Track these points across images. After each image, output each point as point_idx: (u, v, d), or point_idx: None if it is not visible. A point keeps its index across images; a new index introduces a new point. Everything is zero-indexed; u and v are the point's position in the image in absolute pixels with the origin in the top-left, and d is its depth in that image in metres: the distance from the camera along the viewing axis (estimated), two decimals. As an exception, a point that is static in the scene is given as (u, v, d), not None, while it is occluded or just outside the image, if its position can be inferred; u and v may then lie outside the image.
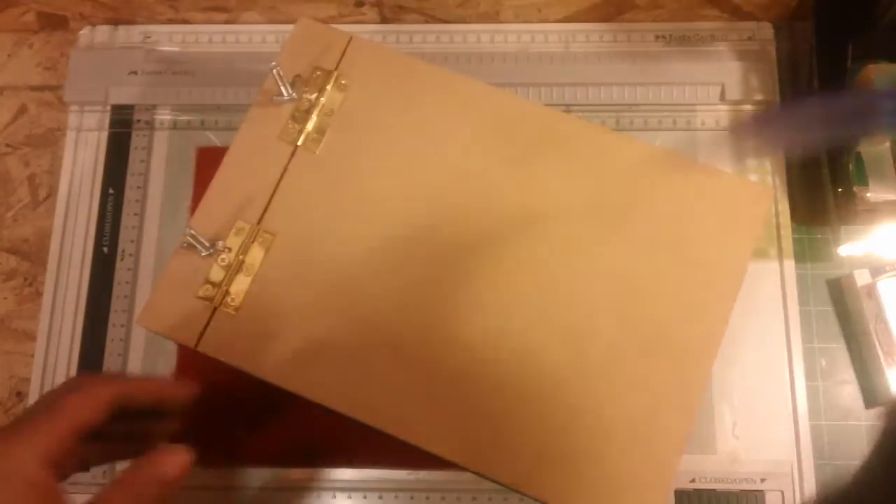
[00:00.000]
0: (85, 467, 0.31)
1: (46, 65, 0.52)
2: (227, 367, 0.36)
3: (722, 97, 0.48)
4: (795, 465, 0.43)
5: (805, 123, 0.32)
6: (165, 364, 0.45)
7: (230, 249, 0.37)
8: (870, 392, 0.44)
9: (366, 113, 0.39)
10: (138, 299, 0.46)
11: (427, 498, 0.43)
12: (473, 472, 0.35)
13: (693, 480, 0.43)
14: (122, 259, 0.47)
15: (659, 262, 0.37)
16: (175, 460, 0.29)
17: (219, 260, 0.36)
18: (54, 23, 0.52)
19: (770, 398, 0.44)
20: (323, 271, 0.37)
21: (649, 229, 0.37)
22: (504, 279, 0.36)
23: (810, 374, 0.44)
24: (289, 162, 0.38)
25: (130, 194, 0.48)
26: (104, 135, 0.50)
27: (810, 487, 0.42)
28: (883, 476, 0.25)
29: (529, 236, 0.37)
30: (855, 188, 0.44)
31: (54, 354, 0.46)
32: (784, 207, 0.47)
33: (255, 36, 0.51)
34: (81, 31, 0.52)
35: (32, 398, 0.45)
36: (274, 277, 0.37)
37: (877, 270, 0.44)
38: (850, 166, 0.44)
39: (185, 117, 0.50)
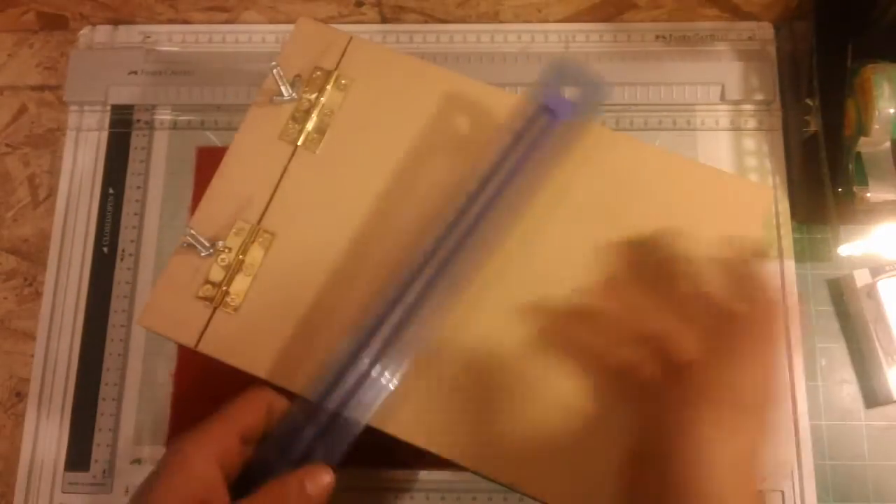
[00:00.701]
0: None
1: (46, 64, 0.52)
2: (228, 367, 0.36)
3: (722, 97, 0.48)
4: (795, 465, 0.43)
5: None
6: (165, 365, 0.45)
7: (230, 249, 0.37)
8: (870, 392, 0.44)
9: (366, 113, 0.39)
10: (138, 299, 0.46)
11: (427, 498, 0.43)
12: (473, 472, 0.35)
13: (693, 480, 0.43)
14: (121, 259, 0.47)
15: (659, 262, 0.37)
16: (319, 480, 0.31)
17: (219, 260, 0.36)
18: (54, 23, 0.52)
19: (770, 398, 0.44)
20: (323, 271, 0.37)
21: (649, 230, 0.37)
22: (505, 279, 0.36)
23: (810, 374, 0.44)
24: (289, 162, 0.38)
25: (130, 194, 0.48)
26: (104, 135, 0.50)
27: (810, 487, 0.42)
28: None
29: (530, 236, 0.37)
30: (855, 188, 0.44)
31: (54, 354, 0.46)
32: (784, 207, 0.47)
33: (254, 36, 0.51)
34: (81, 31, 0.52)
35: (32, 398, 0.45)
36: (274, 277, 0.37)
37: (876, 270, 0.44)
38: (850, 166, 0.44)
39: (184, 117, 0.50)
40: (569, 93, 0.35)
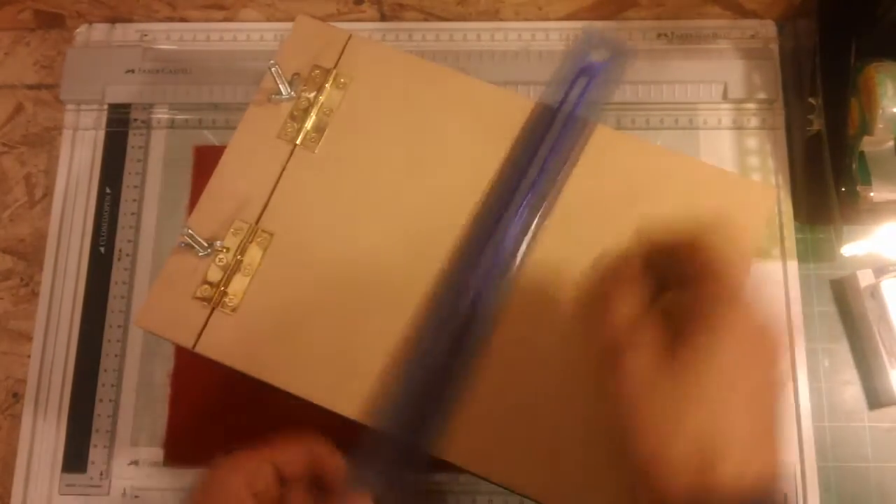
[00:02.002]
0: None
1: (43, 63, 0.52)
2: (226, 368, 0.35)
3: (724, 96, 0.48)
4: (798, 467, 0.42)
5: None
6: (162, 365, 0.45)
7: (228, 249, 0.36)
8: (873, 393, 0.44)
9: (365, 112, 0.38)
10: (135, 300, 0.46)
11: (427, 500, 0.42)
12: (473, 474, 0.34)
13: (695, 482, 0.42)
14: (119, 259, 0.47)
15: (661, 263, 0.36)
16: None
17: (216, 260, 0.36)
18: (51, 21, 0.52)
19: (773, 399, 0.43)
20: (322, 271, 0.36)
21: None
22: (505, 279, 0.36)
23: (813, 375, 0.44)
24: (287, 161, 0.38)
25: (127, 194, 0.48)
26: (101, 134, 0.49)
27: (813, 489, 0.42)
28: None
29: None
30: (858, 188, 0.43)
31: (51, 355, 0.45)
32: (787, 207, 0.46)
33: (253, 34, 0.51)
34: (78, 30, 0.51)
35: (29, 399, 0.45)
36: (272, 277, 0.36)
37: (880, 270, 0.43)
38: (854, 166, 0.44)
39: (182, 116, 0.49)
40: (598, 57, 0.38)
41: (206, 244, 0.36)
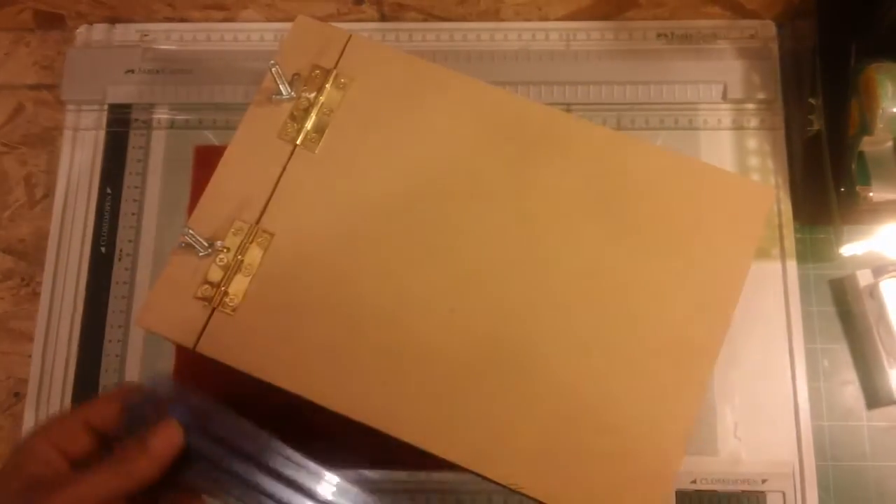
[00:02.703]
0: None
1: (43, 63, 0.52)
2: (226, 367, 0.35)
3: (724, 96, 0.48)
4: (797, 466, 0.42)
5: None
6: (163, 365, 0.45)
7: (228, 249, 0.36)
8: (872, 393, 0.44)
9: (365, 112, 0.38)
10: (136, 299, 0.46)
11: (427, 500, 0.43)
12: (473, 473, 0.35)
13: (694, 481, 0.42)
14: (119, 259, 0.47)
15: (660, 262, 0.36)
16: (164, 437, 0.32)
17: (217, 260, 0.36)
18: (51, 21, 0.52)
19: (772, 399, 0.43)
20: (322, 271, 0.36)
21: (651, 229, 0.37)
22: (506, 280, 0.36)
23: (812, 375, 0.44)
24: (288, 161, 0.38)
25: (128, 194, 0.48)
26: (101, 134, 0.49)
27: (812, 488, 0.42)
28: None
29: (530, 237, 0.37)
30: (858, 188, 0.43)
31: (52, 355, 0.46)
32: (786, 207, 0.46)
33: (253, 34, 0.51)
34: (78, 30, 0.52)
35: (30, 399, 0.45)
36: (272, 278, 0.36)
37: (879, 270, 0.43)
38: (853, 166, 0.44)
39: (182, 116, 0.49)
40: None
41: (206, 244, 0.36)
